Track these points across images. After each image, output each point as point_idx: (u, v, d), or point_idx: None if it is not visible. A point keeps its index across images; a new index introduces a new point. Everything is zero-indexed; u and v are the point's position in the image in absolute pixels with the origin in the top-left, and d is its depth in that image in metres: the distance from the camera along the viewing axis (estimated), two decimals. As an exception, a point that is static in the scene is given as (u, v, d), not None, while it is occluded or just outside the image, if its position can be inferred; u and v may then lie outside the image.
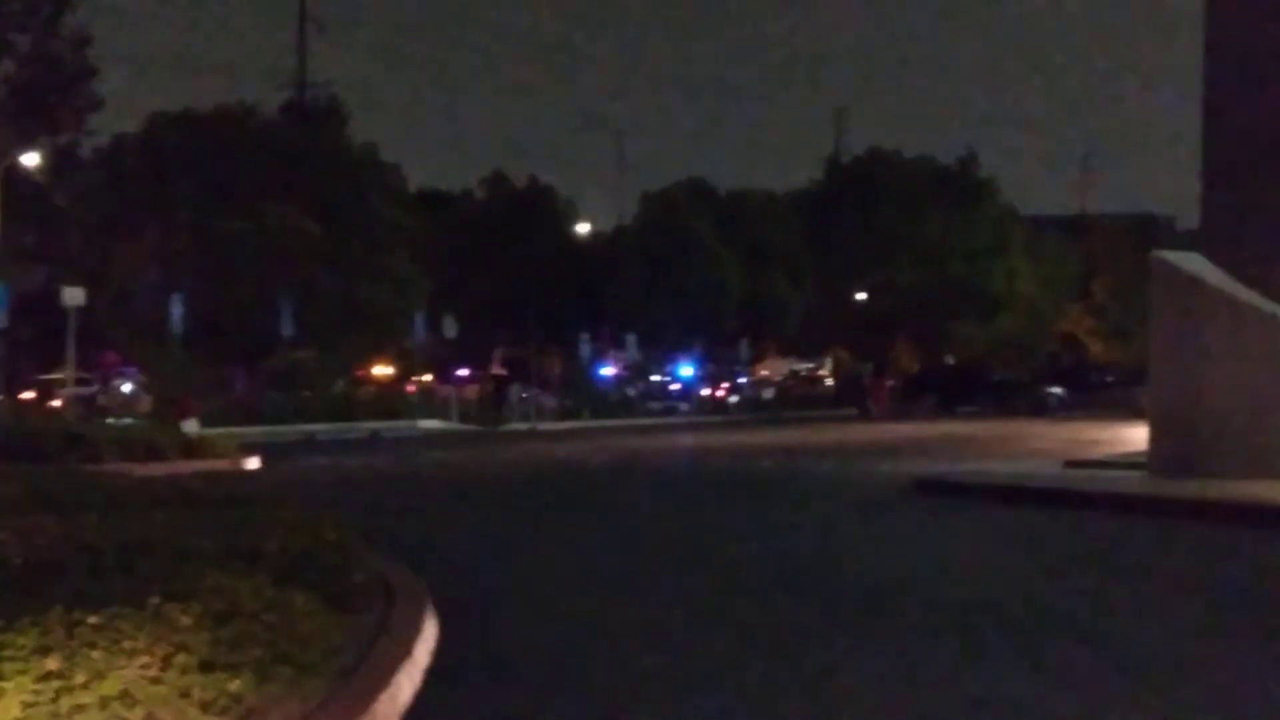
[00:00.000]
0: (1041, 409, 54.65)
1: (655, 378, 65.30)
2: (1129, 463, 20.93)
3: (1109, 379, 59.08)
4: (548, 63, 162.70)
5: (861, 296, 69.52)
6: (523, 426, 47.04)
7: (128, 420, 38.23)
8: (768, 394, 65.35)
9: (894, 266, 68.36)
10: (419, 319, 52.15)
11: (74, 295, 37.75)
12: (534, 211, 65.97)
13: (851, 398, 62.44)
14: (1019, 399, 57.71)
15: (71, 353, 38.89)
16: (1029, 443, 31.73)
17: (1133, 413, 45.15)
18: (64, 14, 45.80)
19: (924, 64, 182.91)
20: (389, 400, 50.10)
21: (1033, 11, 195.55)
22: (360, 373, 57.28)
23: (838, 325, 70.38)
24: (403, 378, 56.65)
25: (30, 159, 48.65)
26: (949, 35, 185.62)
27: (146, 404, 43.96)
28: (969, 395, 59.12)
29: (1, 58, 47.09)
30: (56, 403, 42.04)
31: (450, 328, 52.13)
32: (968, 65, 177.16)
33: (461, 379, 54.74)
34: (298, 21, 62.48)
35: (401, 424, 45.19)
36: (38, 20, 45.30)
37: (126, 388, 49.22)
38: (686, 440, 37.32)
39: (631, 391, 60.20)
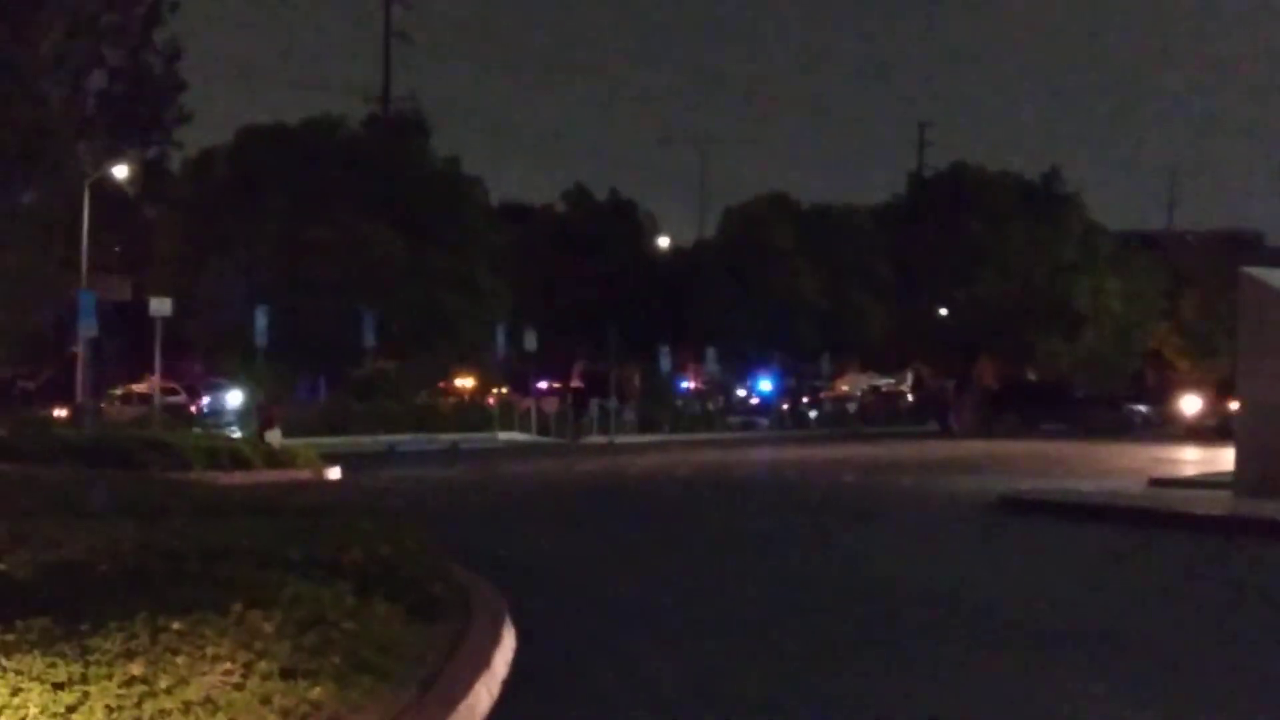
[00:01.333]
0: (1126, 427, 54.04)
1: (739, 392, 65.14)
2: (1215, 482, 20.65)
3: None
4: (628, 77, 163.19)
5: (944, 312, 68.99)
6: (602, 440, 47.07)
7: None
8: (849, 408, 64.98)
9: (977, 282, 67.83)
10: (500, 331, 52.36)
11: (161, 306, 38.16)
12: (615, 225, 66.10)
13: (933, 413, 61.99)
14: (1103, 417, 57.06)
15: (158, 363, 39.35)
16: (1113, 461, 31.35)
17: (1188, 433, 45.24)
18: (156, 27, 46.31)
19: (1008, 77, 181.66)
20: (469, 412, 50.21)
21: (1120, 25, 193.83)
22: (441, 384, 57.60)
23: (919, 340, 69.90)
24: (483, 390, 56.87)
25: (119, 171, 49.38)
26: (1032, 48, 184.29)
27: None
28: (1052, 412, 58.48)
29: (92, 70, 47.77)
30: (61, 412, 40.15)
31: (531, 340, 52.33)
32: (1053, 78, 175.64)
33: (541, 391, 54.89)
34: (383, 35, 62.99)
35: (482, 436, 45.32)
36: (130, 33, 45.86)
37: (232, 397, 48.98)
38: (766, 455, 37.19)
39: (711, 405, 60.07)
